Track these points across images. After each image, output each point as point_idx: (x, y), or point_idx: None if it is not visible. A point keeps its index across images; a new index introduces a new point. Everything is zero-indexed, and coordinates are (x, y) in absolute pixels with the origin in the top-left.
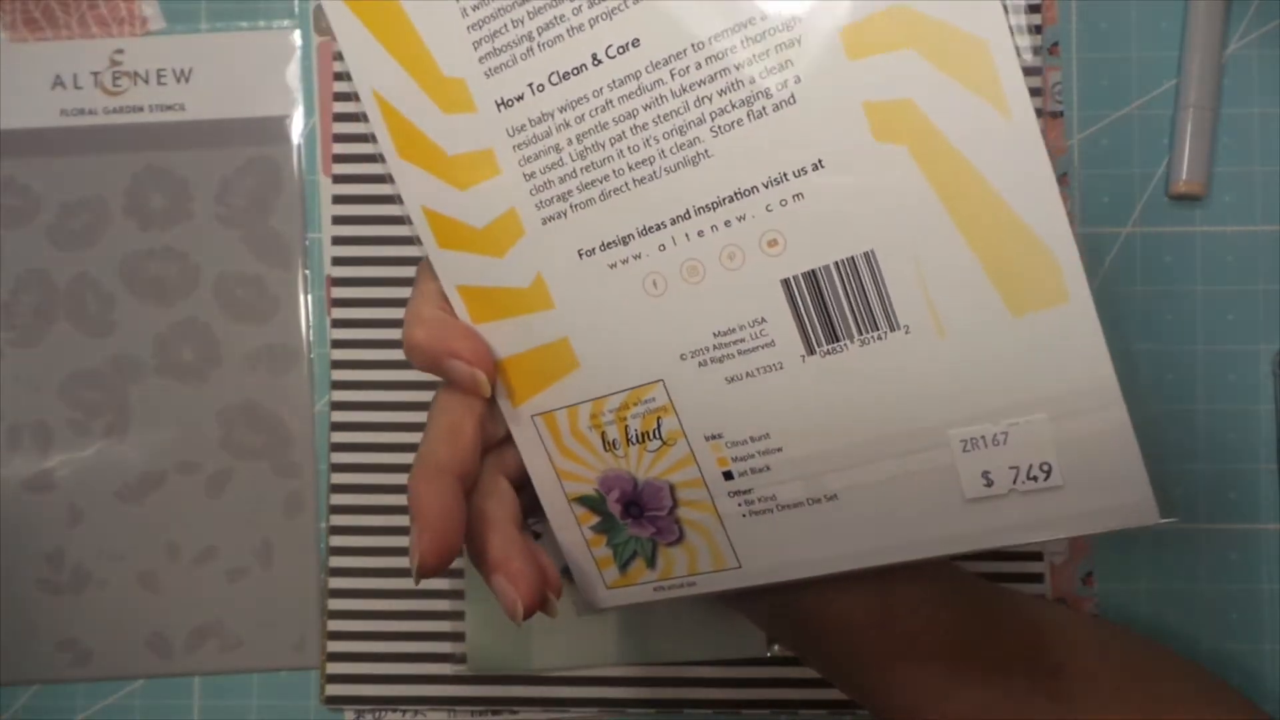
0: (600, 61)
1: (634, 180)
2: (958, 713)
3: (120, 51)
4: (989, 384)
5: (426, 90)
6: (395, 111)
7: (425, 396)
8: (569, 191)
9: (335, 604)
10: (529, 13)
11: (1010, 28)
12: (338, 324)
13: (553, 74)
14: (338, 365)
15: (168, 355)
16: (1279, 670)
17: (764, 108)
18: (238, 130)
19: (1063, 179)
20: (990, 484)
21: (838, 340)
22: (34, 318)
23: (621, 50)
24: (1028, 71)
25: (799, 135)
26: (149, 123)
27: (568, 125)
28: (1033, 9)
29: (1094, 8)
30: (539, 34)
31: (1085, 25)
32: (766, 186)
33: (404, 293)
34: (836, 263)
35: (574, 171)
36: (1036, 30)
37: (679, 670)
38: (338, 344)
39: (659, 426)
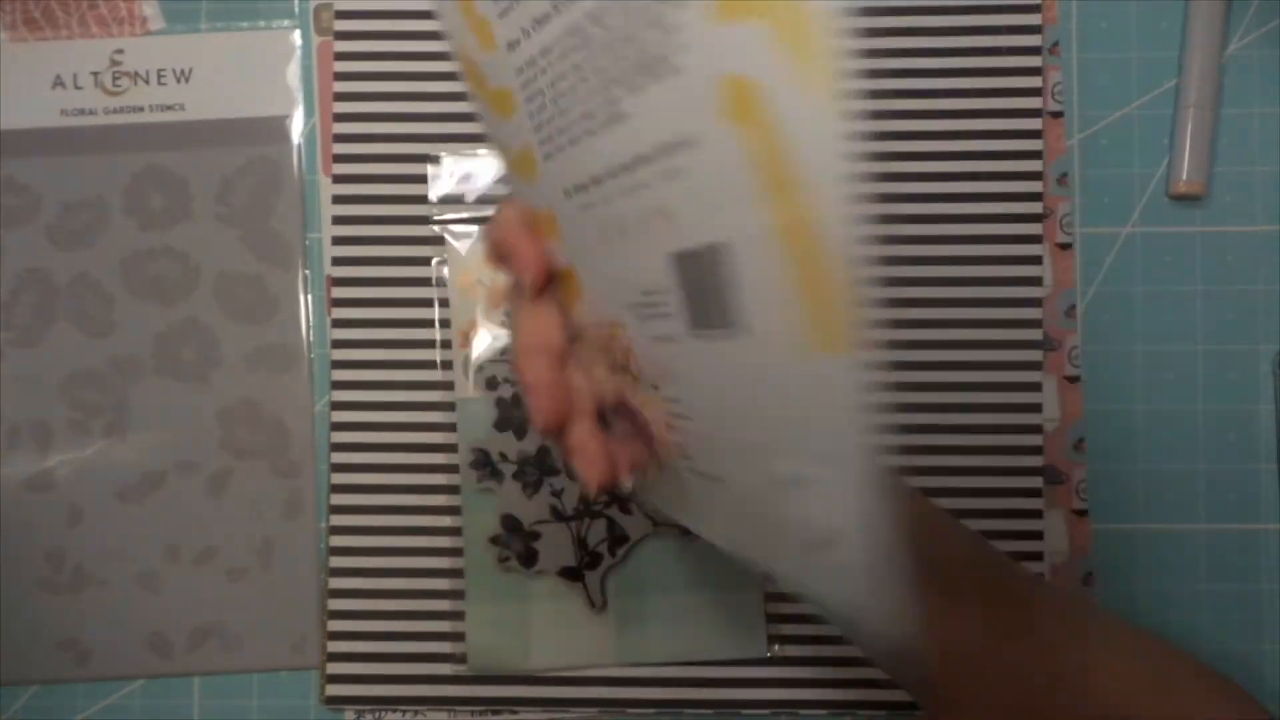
0: (559, 10)
1: (585, 131)
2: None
3: (120, 51)
4: (801, 417)
5: (472, 29)
6: (464, 53)
7: (425, 397)
8: (553, 134)
9: (335, 604)
10: None
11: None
12: (338, 324)
13: (533, 19)
14: (338, 365)
15: (168, 355)
16: (1279, 670)
17: (661, 71)
18: (238, 130)
19: (1063, 179)
20: (809, 528)
21: (706, 327)
22: (34, 318)
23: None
24: (1028, 71)
25: (681, 106)
26: (149, 123)
27: (544, 71)
28: (1033, 9)
29: (1094, 8)
30: None
31: (1085, 25)
32: (658, 155)
33: (404, 292)
34: (701, 246)
35: (552, 116)
36: (1036, 30)
37: (679, 670)
38: (338, 344)
39: (629, 364)
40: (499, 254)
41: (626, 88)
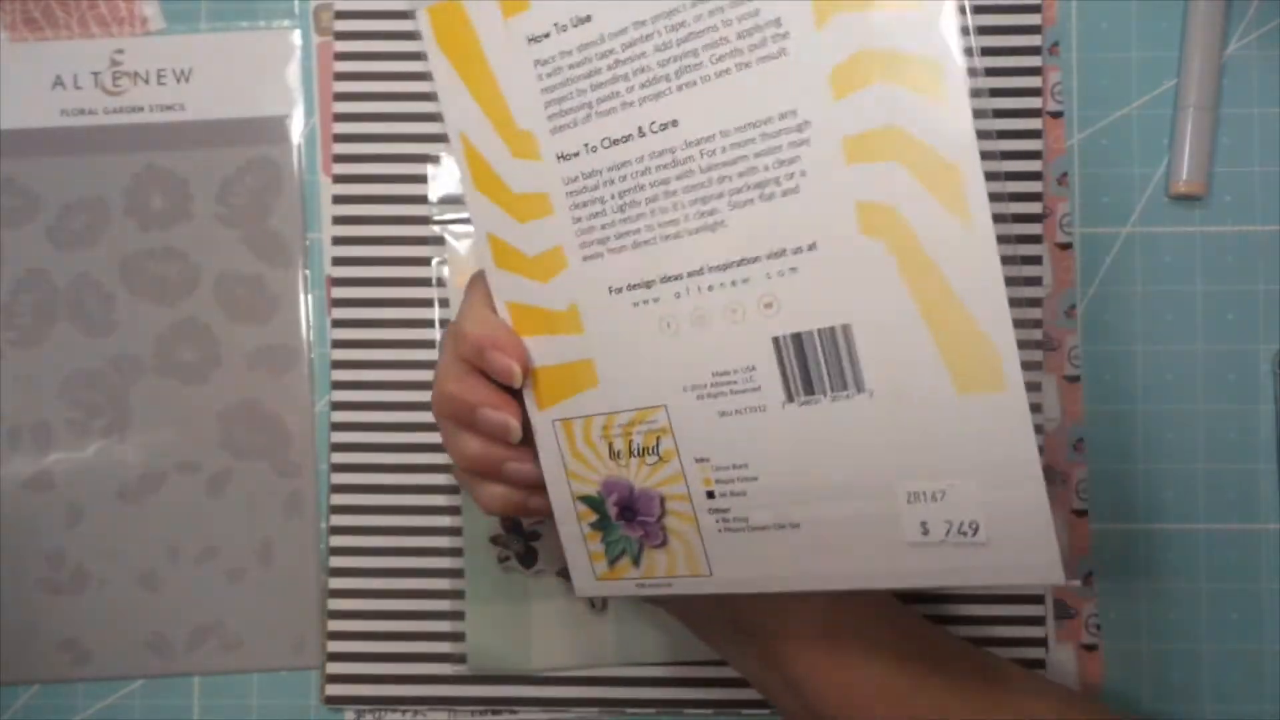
0: (644, 134)
1: (661, 236)
2: (913, 712)
3: (120, 51)
4: (934, 448)
5: (503, 137)
6: (476, 152)
7: (425, 397)
8: (607, 238)
9: (335, 604)
10: (591, 85)
11: (978, 153)
12: (338, 324)
13: (605, 139)
14: (338, 365)
15: (168, 355)
16: (1279, 670)
17: (773, 193)
18: (238, 130)
19: (1062, 179)
20: (926, 533)
21: (813, 394)
22: (34, 318)
23: (663, 128)
24: (1028, 71)
25: (799, 219)
26: (149, 123)
27: (612, 183)
28: (1033, 9)
29: (1094, 8)
30: (598, 104)
31: (1085, 25)
32: (768, 258)
33: (404, 293)
34: (819, 329)
35: (613, 221)
36: (1036, 30)
37: (679, 670)
38: (338, 344)
39: (658, 444)
40: (476, 348)
41: (729, 203)
